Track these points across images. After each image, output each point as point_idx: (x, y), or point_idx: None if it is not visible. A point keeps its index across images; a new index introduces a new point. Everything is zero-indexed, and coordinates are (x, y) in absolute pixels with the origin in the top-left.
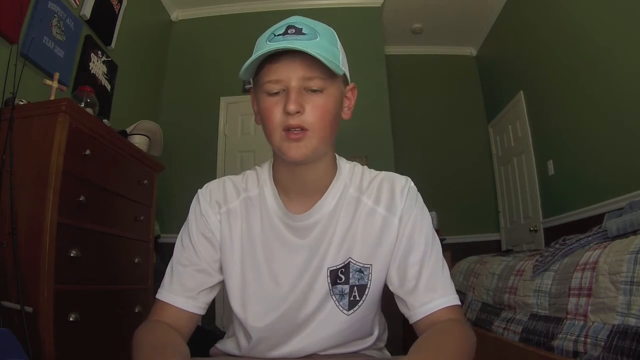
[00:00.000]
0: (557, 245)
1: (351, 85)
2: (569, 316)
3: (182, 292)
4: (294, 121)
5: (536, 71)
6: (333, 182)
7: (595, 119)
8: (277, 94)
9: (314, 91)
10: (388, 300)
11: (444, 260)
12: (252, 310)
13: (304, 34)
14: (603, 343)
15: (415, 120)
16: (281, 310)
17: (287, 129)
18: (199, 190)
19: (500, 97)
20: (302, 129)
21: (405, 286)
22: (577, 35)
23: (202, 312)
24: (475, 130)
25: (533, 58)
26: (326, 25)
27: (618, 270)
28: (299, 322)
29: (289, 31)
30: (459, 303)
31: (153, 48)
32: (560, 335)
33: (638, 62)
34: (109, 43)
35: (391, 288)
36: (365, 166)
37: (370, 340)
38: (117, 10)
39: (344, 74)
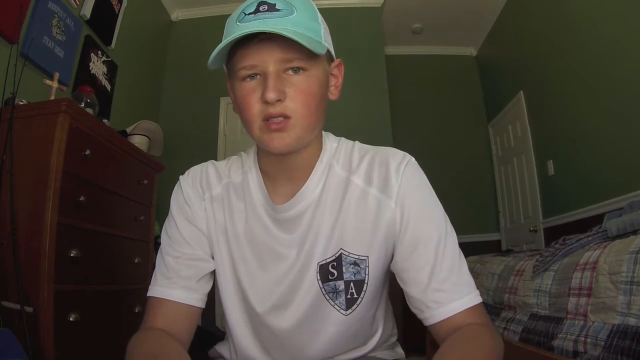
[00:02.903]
0: (557, 245)
1: (337, 61)
2: (569, 316)
3: (178, 282)
4: (274, 110)
5: (536, 71)
6: (317, 163)
7: (595, 118)
8: (253, 77)
9: (295, 71)
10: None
11: (461, 253)
12: (251, 303)
13: (277, 9)
14: (603, 343)
15: (415, 120)
16: (274, 306)
17: (267, 119)
18: (180, 177)
19: (500, 97)
20: (285, 117)
21: (418, 284)
22: (577, 35)
23: (202, 304)
24: (475, 130)
25: (533, 58)
26: None
27: (618, 270)
28: (288, 326)
29: (260, 8)
30: (480, 300)
31: (153, 48)
32: (560, 335)
33: (638, 62)
34: (109, 43)
35: (400, 283)
36: (357, 141)
37: (372, 343)
38: (117, 10)
39: (329, 51)
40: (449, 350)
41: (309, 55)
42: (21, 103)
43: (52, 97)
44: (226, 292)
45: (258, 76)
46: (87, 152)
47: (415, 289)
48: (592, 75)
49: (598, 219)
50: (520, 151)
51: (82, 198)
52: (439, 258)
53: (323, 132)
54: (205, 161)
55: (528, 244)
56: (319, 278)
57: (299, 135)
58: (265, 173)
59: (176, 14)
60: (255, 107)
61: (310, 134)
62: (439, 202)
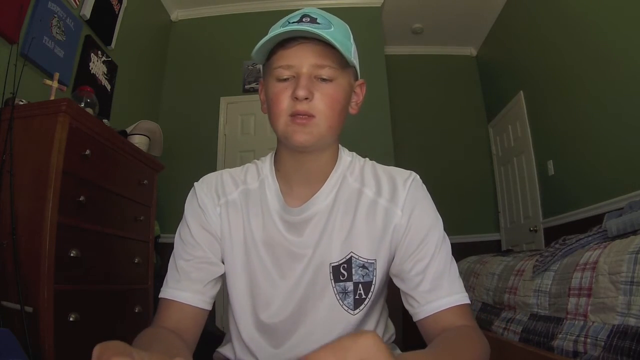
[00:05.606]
0: (557, 245)
1: (360, 81)
2: (569, 316)
3: (188, 286)
4: (301, 107)
5: (536, 71)
6: (332, 172)
7: (595, 118)
8: (286, 80)
9: (324, 80)
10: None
11: (453, 259)
12: (264, 306)
13: (318, 23)
14: (603, 343)
15: (415, 121)
16: (290, 308)
17: (293, 115)
18: (195, 183)
19: (500, 97)
20: (309, 116)
21: (410, 282)
22: (578, 35)
23: (208, 307)
24: (475, 130)
25: (533, 58)
26: (340, 20)
27: (618, 270)
28: (300, 323)
29: (303, 19)
30: (468, 302)
31: (153, 48)
32: (560, 335)
33: (637, 62)
34: (109, 43)
35: (395, 282)
36: (367, 158)
37: None
38: (117, 10)
39: (355, 69)
40: (441, 343)
41: (339, 64)
42: (21, 103)
43: (52, 97)
44: (237, 294)
45: (291, 79)
46: (87, 152)
47: (409, 286)
48: (592, 75)
49: (598, 219)
50: (520, 151)
51: (82, 198)
52: (433, 259)
53: (339, 145)
54: (206, 161)
55: (528, 244)
56: (331, 278)
57: (321, 134)
58: (282, 175)
59: (176, 14)
60: (284, 103)
61: (330, 135)
62: (438, 214)
